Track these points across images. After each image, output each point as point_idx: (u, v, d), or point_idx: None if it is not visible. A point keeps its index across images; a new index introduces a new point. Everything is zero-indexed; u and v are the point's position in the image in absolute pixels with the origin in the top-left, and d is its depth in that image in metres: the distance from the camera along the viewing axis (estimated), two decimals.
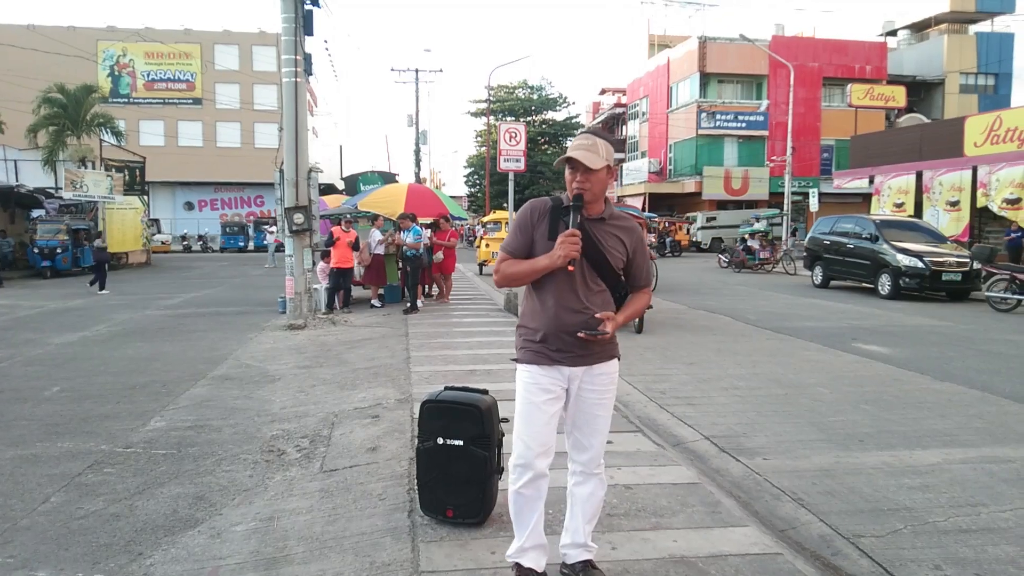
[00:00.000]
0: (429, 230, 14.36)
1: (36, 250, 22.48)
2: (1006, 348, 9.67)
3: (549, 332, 2.94)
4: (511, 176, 17.50)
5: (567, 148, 2.96)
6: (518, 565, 3.07)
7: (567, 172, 2.91)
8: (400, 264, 14.01)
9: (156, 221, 41.32)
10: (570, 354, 2.95)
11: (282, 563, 3.46)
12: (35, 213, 26.22)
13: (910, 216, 21.69)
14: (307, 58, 12.03)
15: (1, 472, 4.82)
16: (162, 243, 40.80)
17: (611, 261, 2.96)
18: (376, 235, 14.06)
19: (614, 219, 3.02)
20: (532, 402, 2.96)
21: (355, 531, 3.77)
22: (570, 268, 2.83)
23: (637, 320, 9.65)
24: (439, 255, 14.53)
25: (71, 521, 4.02)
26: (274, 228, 27.29)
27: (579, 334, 2.87)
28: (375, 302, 14.05)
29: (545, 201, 3.00)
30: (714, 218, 38.38)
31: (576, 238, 2.82)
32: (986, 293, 14.16)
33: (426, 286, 14.94)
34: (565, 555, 3.17)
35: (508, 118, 51.51)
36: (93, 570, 3.46)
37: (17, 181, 27.82)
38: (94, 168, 27.83)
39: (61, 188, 25.23)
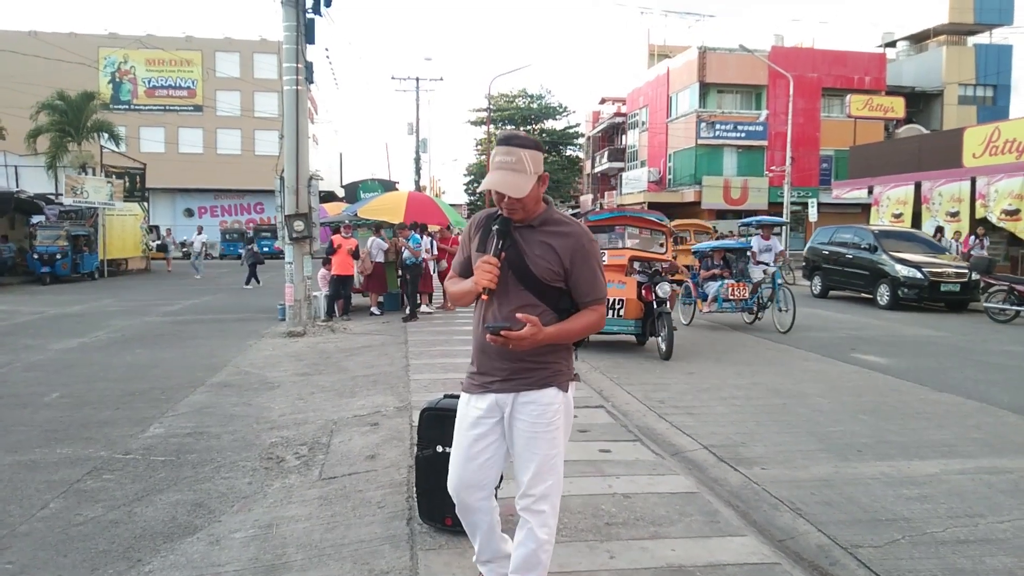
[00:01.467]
0: (430, 238, 14.38)
1: (36, 256, 22.49)
2: (1004, 359, 9.68)
3: (477, 351, 2.78)
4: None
5: (491, 168, 2.64)
6: (481, 574, 3.04)
7: (495, 194, 2.62)
8: (400, 272, 14.02)
9: (156, 228, 41.30)
10: (494, 378, 2.70)
11: (281, 570, 3.47)
12: (35, 219, 26.22)
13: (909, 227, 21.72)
14: (308, 66, 12.08)
15: (0, 478, 4.82)
16: (159, 250, 40.78)
17: (537, 273, 2.62)
18: (378, 243, 14.06)
19: (549, 224, 2.67)
20: (460, 433, 2.79)
21: (354, 539, 3.78)
22: (483, 297, 2.61)
23: (666, 346, 9.27)
24: (443, 263, 14.60)
25: (70, 527, 4.02)
26: (200, 236, 26.85)
27: (487, 336, 2.56)
28: (375, 310, 14.07)
29: (483, 212, 2.82)
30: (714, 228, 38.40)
31: (490, 266, 2.56)
32: (985, 304, 14.17)
33: (430, 295, 14.93)
34: None
35: (508, 127, 51.62)
36: None
37: (18, 187, 27.83)
38: (94, 174, 27.84)
39: (62, 194, 25.24)
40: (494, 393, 2.71)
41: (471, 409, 2.77)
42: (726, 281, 12.08)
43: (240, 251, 43.28)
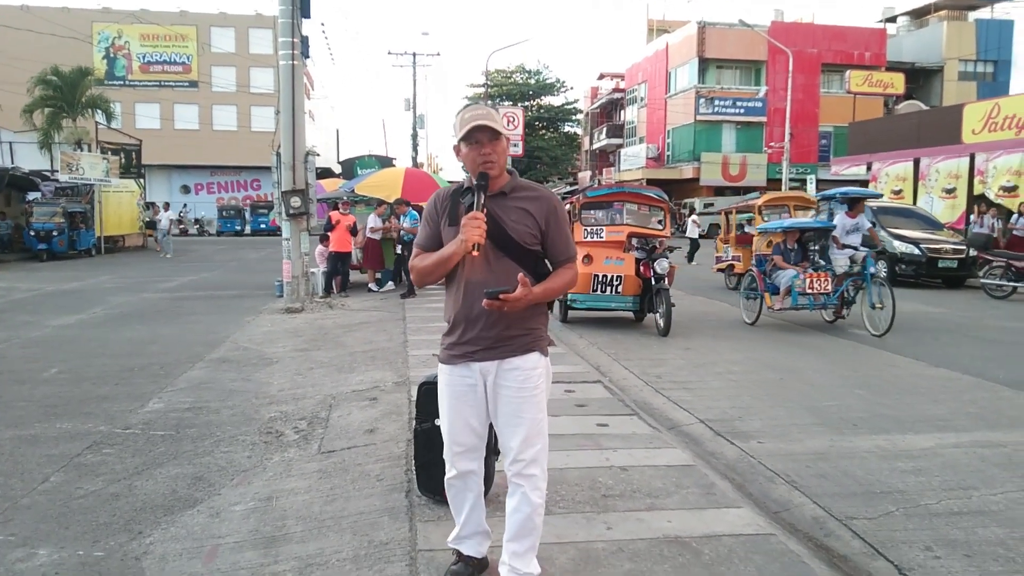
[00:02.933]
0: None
1: (32, 233, 22.42)
2: (1001, 335, 9.72)
3: (458, 322, 2.77)
4: (508, 160, 17.31)
5: (463, 124, 2.68)
6: (457, 552, 3.04)
7: (468, 150, 2.68)
8: (399, 249, 14.00)
9: (152, 204, 41.18)
10: (478, 347, 2.73)
11: (281, 542, 3.50)
12: (31, 196, 26.11)
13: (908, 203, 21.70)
14: (304, 41, 11.98)
15: (1, 452, 4.84)
16: (148, 227, 40.68)
17: (517, 238, 2.71)
18: (375, 221, 14.04)
19: (519, 191, 2.77)
20: (449, 403, 2.84)
21: (353, 511, 3.81)
22: (474, 253, 2.59)
23: (664, 323, 9.30)
24: None
25: (71, 500, 4.05)
26: (167, 213, 25.88)
27: (484, 302, 2.59)
28: (372, 286, 14.07)
29: (446, 189, 2.87)
30: (711, 204, 38.36)
31: (478, 220, 2.59)
32: (982, 280, 14.21)
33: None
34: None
35: (506, 102, 51.33)
36: (93, 548, 3.49)
37: (13, 163, 27.67)
38: (90, 151, 27.70)
39: (57, 171, 25.10)
40: (478, 362, 2.75)
41: (456, 379, 2.80)
42: (803, 271, 9.83)
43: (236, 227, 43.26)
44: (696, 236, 23.44)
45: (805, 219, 12.41)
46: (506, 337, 2.73)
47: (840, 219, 10.53)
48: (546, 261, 2.83)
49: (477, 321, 2.72)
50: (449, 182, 25.55)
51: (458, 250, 2.63)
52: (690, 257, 22.55)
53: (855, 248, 10.21)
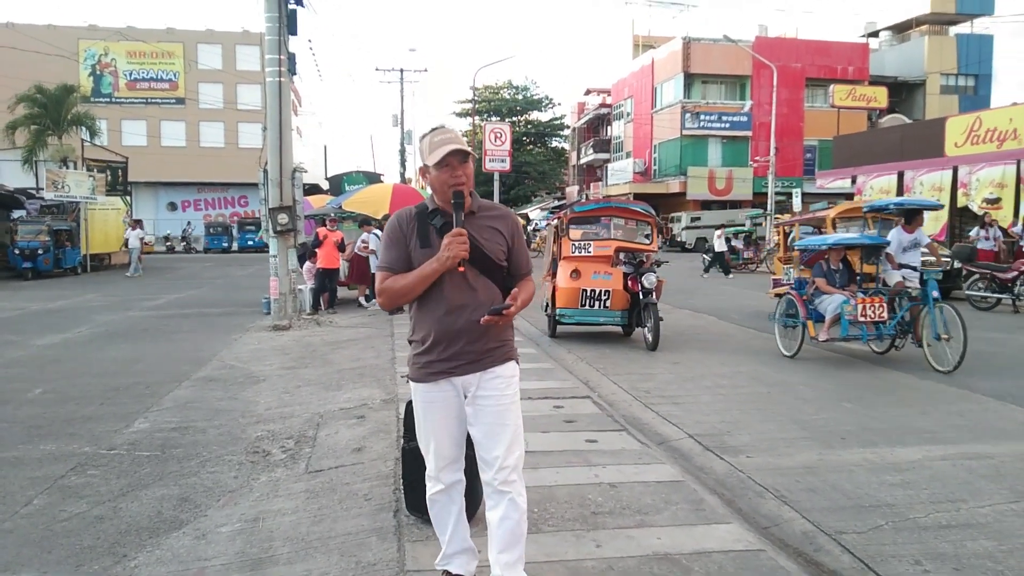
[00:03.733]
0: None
1: (17, 251, 22.24)
2: (986, 346, 9.78)
3: (439, 339, 2.77)
4: (496, 176, 17.45)
5: (433, 147, 2.73)
6: (446, 572, 3.03)
7: (439, 172, 2.72)
8: None
9: (139, 222, 40.96)
10: (460, 361, 2.77)
11: (267, 564, 3.46)
12: (16, 214, 25.92)
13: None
14: (291, 58, 12.00)
15: None
16: (145, 244, 40.46)
17: (491, 255, 2.80)
18: (371, 240, 13.95)
19: (485, 210, 2.87)
20: (430, 422, 2.87)
21: (341, 531, 3.78)
22: (460, 269, 2.67)
23: (652, 336, 9.30)
24: None
25: (54, 523, 4.00)
26: (136, 232, 24.36)
27: (483, 319, 2.68)
28: (362, 301, 14.02)
29: (408, 211, 2.85)
30: (698, 218, 38.56)
31: (464, 237, 2.65)
32: (966, 292, 14.31)
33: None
34: None
35: (493, 118, 51.50)
36: (77, 572, 3.44)
37: None
38: (76, 168, 27.56)
39: (42, 188, 24.93)
40: (460, 376, 2.79)
41: (436, 395, 2.83)
42: (852, 295, 8.39)
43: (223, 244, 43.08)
44: (723, 250, 23.11)
45: (850, 234, 10.75)
46: (488, 349, 2.81)
47: (896, 234, 8.96)
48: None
49: (460, 337, 2.76)
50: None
51: (440, 267, 2.66)
52: (706, 268, 22.53)
53: (914, 268, 8.66)
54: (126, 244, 26.15)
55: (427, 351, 2.80)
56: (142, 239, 24.58)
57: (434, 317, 2.78)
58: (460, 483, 2.98)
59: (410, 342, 2.91)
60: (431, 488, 2.96)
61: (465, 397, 2.83)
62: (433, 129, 2.82)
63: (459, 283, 2.74)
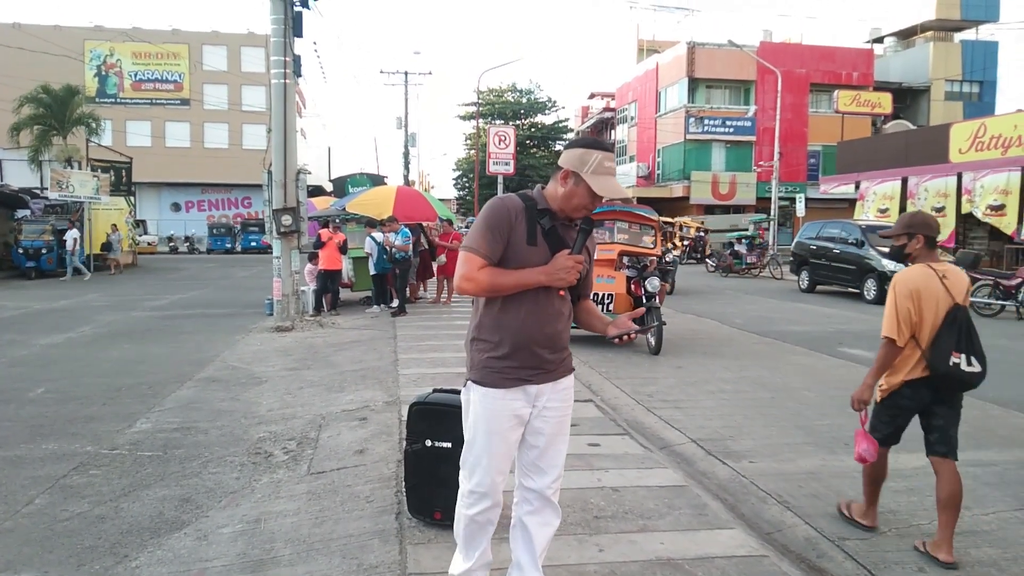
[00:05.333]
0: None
1: (21, 251, 22.27)
2: (990, 353, 9.66)
3: (518, 346, 2.64)
4: (500, 179, 17.44)
5: (603, 172, 2.60)
6: None
7: (583, 192, 2.60)
8: (373, 269, 13.88)
9: (143, 222, 40.99)
10: (540, 370, 2.69)
11: (269, 565, 3.45)
12: (20, 213, 25.96)
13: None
14: (296, 60, 12.01)
15: None
16: (148, 244, 40.53)
17: (582, 275, 2.76)
18: (367, 243, 13.95)
19: (575, 223, 2.77)
20: (496, 430, 2.68)
21: (342, 533, 3.77)
22: (561, 293, 2.66)
23: (655, 341, 9.40)
24: (442, 258, 14.59)
25: (55, 523, 3.99)
26: (72, 232, 22.12)
27: (616, 339, 2.69)
28: (375, 307, 13.95)
29: (515, 200, 2.67)
30: (702, 223, 38.51)
31: (580, 266, 2.62)
32: (970, 299, 14.26)
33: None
34: None
35: (497, 121, 51.56)
36: (78, 572, 3.44)
37: (2, 181, 27.55)
38: (80, 168, 27.61)
39: (47, 188, 24.98)
40: (535, 384, 2.70)
41: (508, 403, 2.68)
42: None
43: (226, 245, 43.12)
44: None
45: None
46: (562, 360, 2.77)
47: None
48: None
49: (544, 346, 2.68)
50: (441, 200, 25.23)
51: (547, 283, 2.59)
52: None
53: None
54: (105, 247, 25.05)
55: (506, 356, 2.65)
56: (76, 239, 22.17)
57: (519, 322, 2.64)
58: (500, 507, 2.83)
59: (474, 340, 2.73)
60: (476, 506, 2.74)
61: (533, 407, 2.73)
62: (603, 148, 2.64)
63: (551, 292, 2.66)
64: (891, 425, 3.87)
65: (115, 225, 25.25)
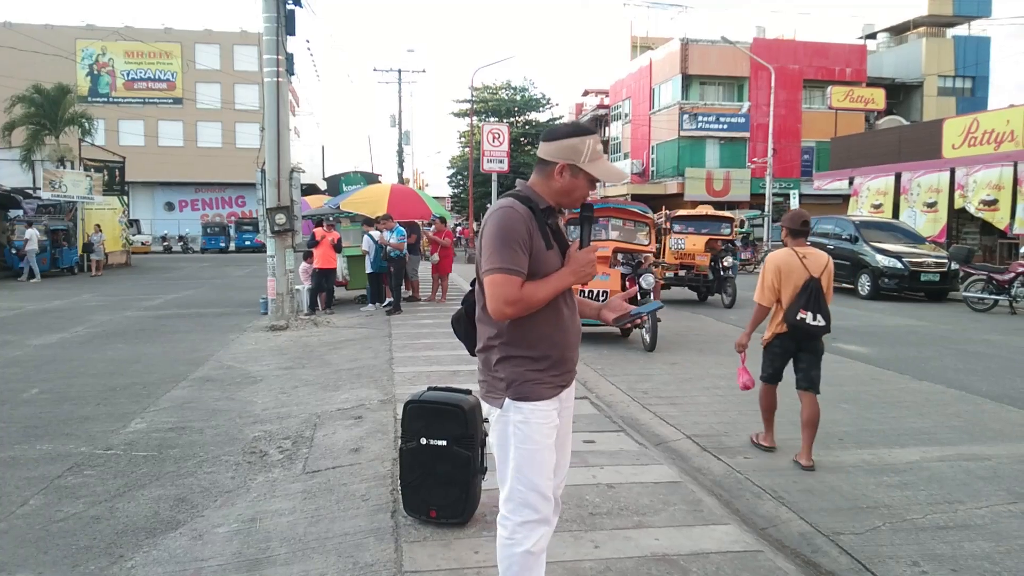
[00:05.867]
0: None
1: (14, 251, 22.19)
2: (983, 348, 9.80)
3: (563, 351, 2.53)
4: (494, 177, 17.45)
5: (598, 157, 2.49)
6: None
7: (580, 182, 2.49)
8: (369, 267, 13.87)
9: (136, 222, 40.85)
10: (571, 372, 2.60)
11: (264, 564, 3.45)
12: (13, 213, 25.87)
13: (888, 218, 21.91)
14: (289, 58, 11.98)
15: None
16: (142, 244, 40.42)
17: None
18: (364, 241, 13.94)
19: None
20: (546, 445, 2.49)
21: (338, 532, 3.77)
22: (584, 285, 2.58)
23: (649, 337, 9.42)
24: (435, 256, 14.58)
25: (50, 524, 3.99)
26: (31, 230, 21.13)
27: (625, 320, 2.58)
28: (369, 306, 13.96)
29: (520, 206, 2.45)
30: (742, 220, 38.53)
31: (597, 257, 2.50)
32: (964, 293, 14.33)
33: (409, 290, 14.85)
34: None
35: (491, 119, 51.49)
36: (73, 573, 3.43)
37: None
38: (73, 168, 27.51)
39: (39, 188, 24.88)
40: (566, 388, 2.60)
41: (551, 413, 2.52)
42: None
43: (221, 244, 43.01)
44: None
45: None
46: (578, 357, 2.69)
47: None
48: None
49: (574, 347, 2.60)
50: (435, 198, 25.15)
51: (578, 282, 2.48)
52: None
53: None
54: (85, 248, 24.18)
55: (550, 366, 2.50)
56: (35, 238, 21.28)
57: (555, 329, 2.51)
58: None
59: (506, 359, 2.48)
60: (533, 535, 2.48)
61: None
62: (589, 131, 2.52)
63: (568, 292, 2.57)
64: (771, 367, 5.19)
65: (98, 225, 24.66)
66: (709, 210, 17.58)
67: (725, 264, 13.98)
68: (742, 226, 19.53)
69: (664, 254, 15.39)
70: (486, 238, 2.41)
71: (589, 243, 2.54)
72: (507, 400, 2.47)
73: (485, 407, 2.60)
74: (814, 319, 4.81)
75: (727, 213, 16.09)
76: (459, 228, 41.80)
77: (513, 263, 2.35)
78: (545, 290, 2.40)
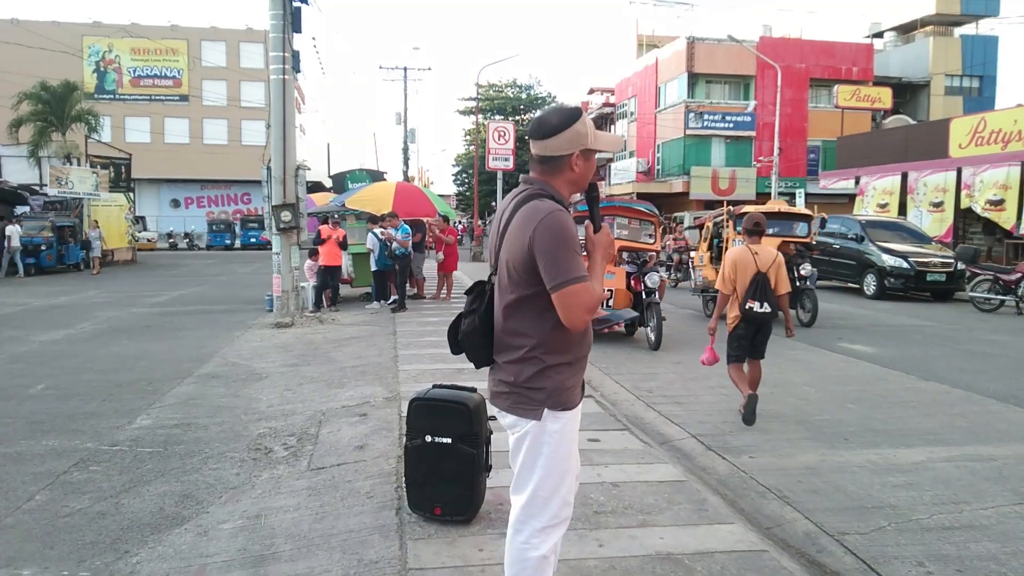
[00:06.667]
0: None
1: (20, 247, 22.24)
2: (989, 348, 9.76)
3: (586, 352, 2.49)
4: (500, 175, 17.43)
5: (588, 128, 2.39)
6: None
7: (589, 163, 2.43)
8: (373, 264, 13.87)
9: (142, 218, 40.95)
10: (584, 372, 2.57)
11: (269, 561, 3.46)
12: (19, 209, 25.96)
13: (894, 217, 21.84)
14: (295, 55, 11.98)
15: None
16: (148, 240, 40.52)
17: None
18: (369, 239, 13.93)
19: None
20: (574, 451, 2.47)
21: (343, 529, 3.77)
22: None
23: (655, 336, 9.39)
24: (440, 255, 14.54)
25: (56, 519, 4.00)
26: (14, 227, 20.98)
27: (598, 326, 2.49)
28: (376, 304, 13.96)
29: (564, 209, 2.35)
30: (699, 217, 38.43)
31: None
32: (970, 293, 14.28)
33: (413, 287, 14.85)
34: None
35: (497, 117, 51.50)
36: (79, 568, 3.44)
37: (1, 177, 27.51)
38: (79, 165, 27.59)
39: (46, 184, 24.96)
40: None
41: (578, 420, 2.49)
42: None
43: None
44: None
45: None
46: None
47: None
48: None
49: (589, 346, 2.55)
50: (440, 196, 25.12)
51: (604, 265, 2.44)
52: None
53: None
54: (83, 246, 23.42)
55: (580, 369, 2.47)
56: (16, 235, 21.02)
57: (582, 330, 2.41)
58: None
59: (547, 369, 2.37)
60: (552, 537, 2.45)
61: None
62: (578, 111, 2.42)
63: None
64: (738, 350, 5.99)
65: (96, 221, 24.15)
66: (782, 205, 14.79)
67: (802, 272, 11.39)
68: (822, 226, 16.21)
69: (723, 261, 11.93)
70: (547, 247, 2.24)
71: (601, 224, 2.48)
72: (546, 411, 2.37)
73: (511, 418, 2.45)
74: (760, 307, 5.74)
75: (804, 210, 12.77)
76: (460, 225, 41.78)
77: (582, 269, 2.27)
78: (598, 285, 2.32)
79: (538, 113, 2.53)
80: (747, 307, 5.73)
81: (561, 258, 2.23)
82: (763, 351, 6.04)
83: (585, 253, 2.43)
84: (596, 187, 2.50)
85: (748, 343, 5.93)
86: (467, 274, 20.70)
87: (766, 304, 5.73)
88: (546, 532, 2.42)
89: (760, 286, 5.71)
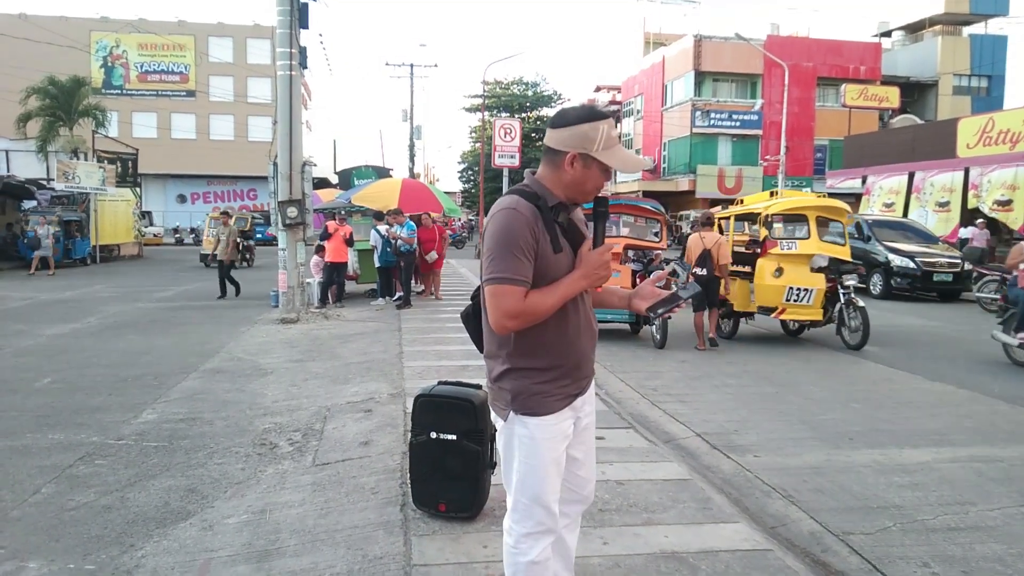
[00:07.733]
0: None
1: (27, 241, 22.31)
2: (996, 348, 9.71)
3: (571, 363, 2.33)
4: (505, 172, 17.38)
5: (613, 144, 2.24)
6: None
7: (594, 172, 2.26)
8: (377, 261, 13.86)
9: (148, 213, 41.02)
10: (586, 378, 2.42)
11: (274, 556, 3.47)
12: (27, 204, 26.02)
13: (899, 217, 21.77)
14: (302, 51, 12.00)
15: None
16: (154, 235, 40.60)
17: None
18: (371, 236, 13.94)
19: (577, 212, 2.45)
20: (554, 459, 2.34)
21: (347, 524, 3.78)
22: (598, 289, 2.36)
23: (660, 334, 9.45)
24: (433, 254, 14.44)
25: (62, 512, 4.01)
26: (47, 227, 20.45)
27: (661, 307, 2.35)
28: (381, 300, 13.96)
29: (525, 205, 2.21)
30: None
31: (611, 255, 2.36)
32: (976, 294, 14.23)
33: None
34: None
35: (503, 114, 51.46)
36: (84, 561, 3.45)
37: (8, 171, 27.61)
38: (86, 159, 27.65)
39: (53, 179, 25.02)
40: (581, 396, 2.42)
41: (561, 425, 2.35)
42: None
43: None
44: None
45: None
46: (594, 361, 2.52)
47: None
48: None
49: (588, 354, 2.41)
50: (447, 193, 25.08)
51: (590, 286, 2.27)
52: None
53: None
54: (35, 245, 20.92)
55: (559, 376, 2.32)
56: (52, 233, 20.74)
57: (568, 338, 2.31)
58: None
59: (510, 371, 2.31)
60: (538, 546, 2.36)
61: (576, 417, 2.45)
62: (604, 115, 2.26)
63: (583, 294, 2.34)
64: (697, 301, 7.44)
65: (50, 218, 22.16)
66: (815, 199, 12.99)
67: (846, 283, 9.36)
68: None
69: (757, 267, 9.86)
70: (487, 242, 2.21)
71: (603, 241, 2.27)
72: (511, 414, 2.32)
73: (492, 413, 2.46)
74: (702, 270, 9.05)
75: (840, 204, 10.65)
76: (459, 223, 41.78)
77: (515, 272, 2.15)
78: (553, 298, 2.19)
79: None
80: (693, 271, 9.05)
81: (495, 256, 2.17)
82: (715, 302, 9.33)
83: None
84: (604, 202, 2.29)
85: (701, 298, 8.59)
86: (472, 271, 20.71)
87: (705, 270, 9.04)
88: (531, 538, 2.36)
89: (703, 257, 9.09)
